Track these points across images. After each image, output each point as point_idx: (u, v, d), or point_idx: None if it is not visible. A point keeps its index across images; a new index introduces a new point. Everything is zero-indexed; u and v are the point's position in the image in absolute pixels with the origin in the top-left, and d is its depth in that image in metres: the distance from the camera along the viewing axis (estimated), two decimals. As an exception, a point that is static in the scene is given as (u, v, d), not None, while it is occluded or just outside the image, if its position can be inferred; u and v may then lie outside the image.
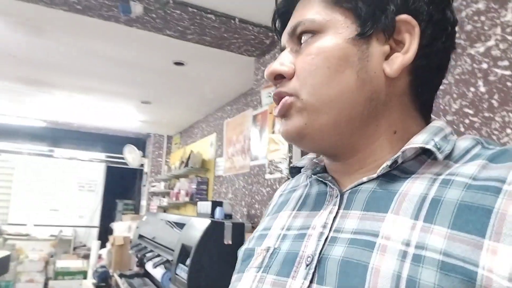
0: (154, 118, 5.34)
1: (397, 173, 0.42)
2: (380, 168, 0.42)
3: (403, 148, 0.42)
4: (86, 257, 5.80)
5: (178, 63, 3.23)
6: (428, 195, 0.38)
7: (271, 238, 0.49)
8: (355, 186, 0.44)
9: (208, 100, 4.33)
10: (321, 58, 0.44)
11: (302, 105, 0.44)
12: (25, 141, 6.74)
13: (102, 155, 7.36)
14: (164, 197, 5.48)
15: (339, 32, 0.44)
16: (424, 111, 0.47)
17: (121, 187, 7.33)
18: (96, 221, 7.11)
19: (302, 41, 0.46)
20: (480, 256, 0.32)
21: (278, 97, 0.47)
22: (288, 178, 2.15)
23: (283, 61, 0.46)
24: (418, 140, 0.42)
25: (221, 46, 2.74)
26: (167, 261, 2.63)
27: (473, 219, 0.34)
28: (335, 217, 0.43)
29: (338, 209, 0.44)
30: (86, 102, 4.75)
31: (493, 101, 1.18)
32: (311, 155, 0.55)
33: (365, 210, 0.41)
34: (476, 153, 0.41)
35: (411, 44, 0.43)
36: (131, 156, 5.91)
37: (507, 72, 1.14)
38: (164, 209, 5.38)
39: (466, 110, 1.26)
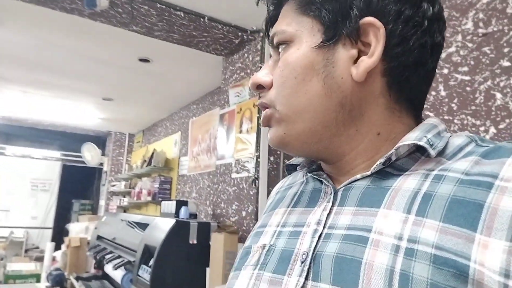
0: (116, 115, 5.18)
1: (390, 170, 0.43)
2: (374, 166, 0.43)
3: (397, 146, 0.42)
4: (39, 259, 5.51)
5: (143, 60, 3.16)
6: (420, 190, 0.38)
7: (267, 235, 0.49)
8: (349, 183, 0.45)
9: (173, 98, 4.26)
10: (289, 69, 0.45)
11: (279, 116, 0.46)
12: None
13: (58, 153, 7.04)
14: (124, 196, 5.33)
15: (305, 41, 0.45)
16: (412, 109, 0.46)
17: (78, 187, 7.04)
18: (50, 222, 6.78)
19: (279, 50, 0.47)
20: (472, 250, 0.32)
21: (261, 107, 0.49)
22: (256, 178, 2.12)
23: (265, 72, 0.48)
24: (411, 137, 0.42)
25: (189, 44, 2.71)
26: (129, 262, 2.56)
27: (464, 213, 0.34)
28: (329, 214, 0.43)
29: (332, 206, 0.44)
30: (43, 98, 4.53)
31: (453, 105, 1.25)
32: None
33: (358, 205, 0.41)
34: (469, 150, 0.41)
35: (376, 47, 0.42)
36: (90, 155, 5.71)
37: (467, 77, 1.22)
38: (124, 209, 5.24)
39: (427, 113, 1.33)
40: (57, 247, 5.09)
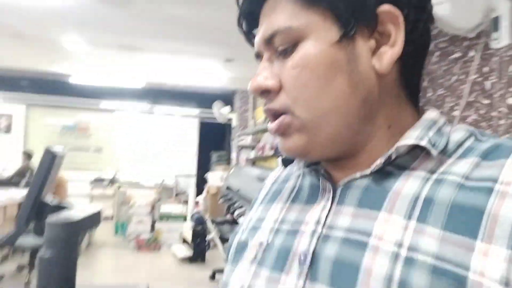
0: (239, 74, 5.50)
1: (390, 168, 0.41)
2: (374, 165, 0.41)
3: (397, 145, 0.40)
4: (186, 202, 6.49)
5: (254, 20, 3.25)
6: (421, 194, 0.38)
7: (264, 232, 0.48)
8: (349, 181, 0.43)
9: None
10: (309, 70, 0.40)
11: (300, 124, 0.41)
12: (127, 100, 7.50)
13: (196, 111, 7.90)
14: (252, 150, 5.73)
15: (320, 36, 0.40)
16: (413, 98, 0.45)
17: (215, 140, 7.85)
18: (194, 170, 7.80)
19: (279, 49, 0.42)
20: (471, 259, 0.32)
21: (270, 114, 0.44)
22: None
23: (267, 75, 0.43)
24: (412, 136, 0.41)
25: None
26: (249, 212, 2.84)
27: (465, 219, 0.34)
28: (328, 213, 0.42)
29: (331, 204, 0.43)
30: (176, 63, 5.08)
31: None
32: None
33: (358, 206, 0.41)
34: (469, 146, 0.39)
35: (398, 35, 0.40)
36: (220, 112, 6.23)
37: None
38: (253, 162, 5.65)
39: None
40: (200, 192, 5.87)
